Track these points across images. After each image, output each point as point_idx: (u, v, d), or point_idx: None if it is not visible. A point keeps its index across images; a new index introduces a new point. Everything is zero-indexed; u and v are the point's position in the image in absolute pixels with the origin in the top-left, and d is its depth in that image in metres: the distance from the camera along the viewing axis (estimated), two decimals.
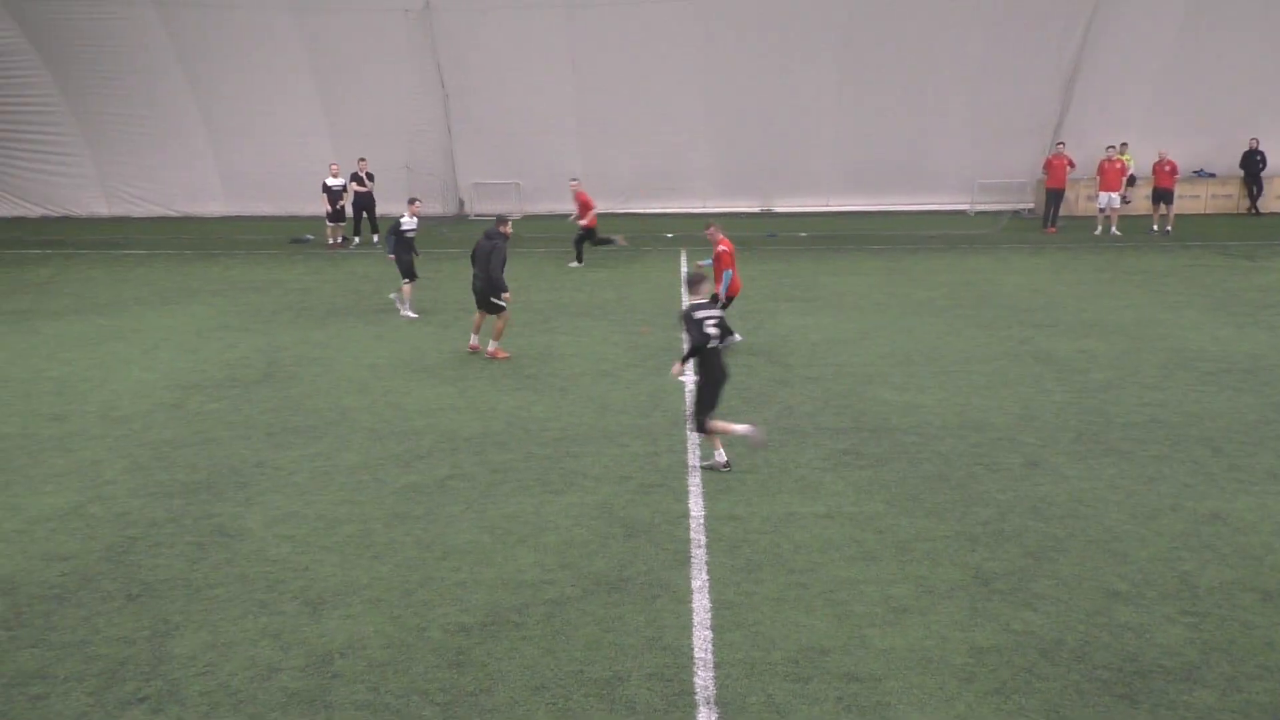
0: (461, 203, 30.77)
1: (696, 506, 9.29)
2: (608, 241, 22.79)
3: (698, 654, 6.87)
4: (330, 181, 25.09)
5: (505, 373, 13.79)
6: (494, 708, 6.31)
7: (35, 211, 31.37)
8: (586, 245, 22.46)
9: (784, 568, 8.08)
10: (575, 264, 22.21)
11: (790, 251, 23.96)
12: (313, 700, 6.39)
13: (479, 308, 14.72)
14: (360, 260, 23.52)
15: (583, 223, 22.13)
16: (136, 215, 31.07)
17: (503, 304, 14.42)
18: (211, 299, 19.09)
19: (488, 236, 14.46)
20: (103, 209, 31.31)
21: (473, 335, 14.93)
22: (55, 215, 31.25)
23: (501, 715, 6.23)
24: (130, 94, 29.50)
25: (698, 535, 8.70)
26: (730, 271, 14.77)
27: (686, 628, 7.20)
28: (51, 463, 10.60)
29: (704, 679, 6.59)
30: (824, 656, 6.82)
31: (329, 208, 25.20)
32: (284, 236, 26.80)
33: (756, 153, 29.56)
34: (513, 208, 30.36)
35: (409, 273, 17.34)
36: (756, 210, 30.74)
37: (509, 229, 14.76)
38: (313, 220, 27.44)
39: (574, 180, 23.54)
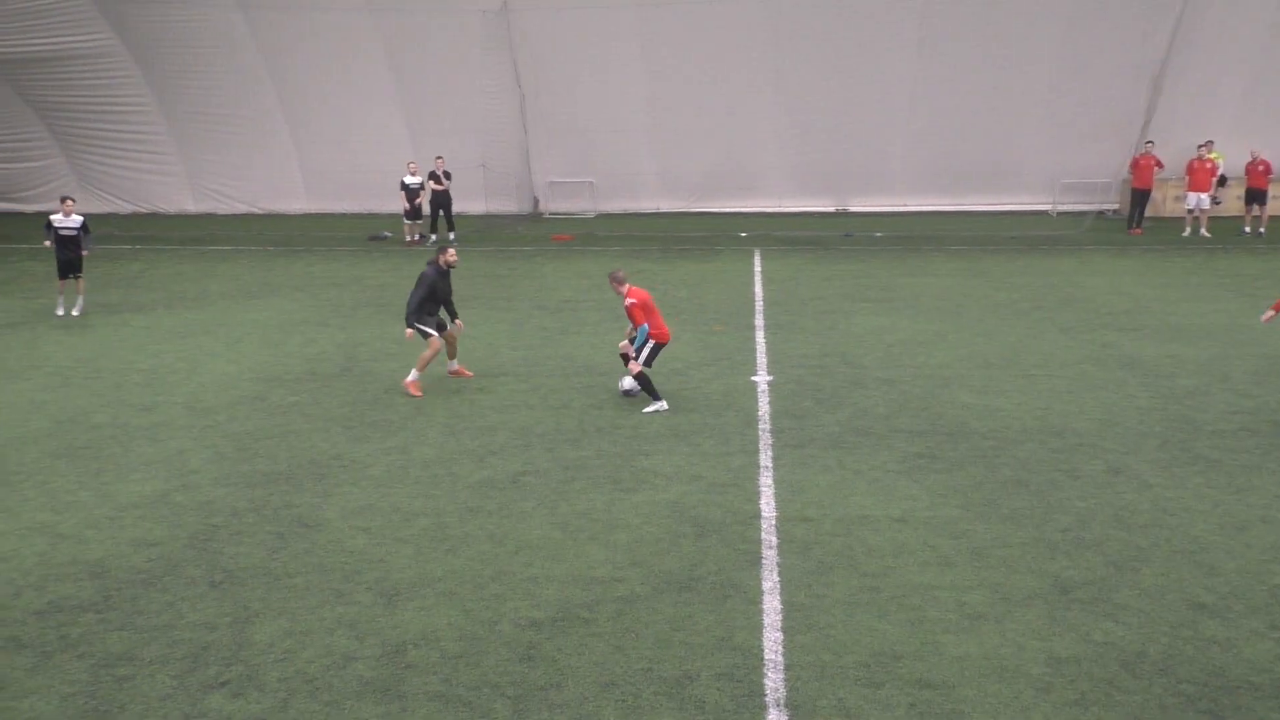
0: (536, 201, 31.01)
1: (768, 507, 9.24)
2: None
3: (768, 655, 6.84)
4: (408, 180, 25.47)
5: (577, 370, 13.86)
6: (564, 703, 6.35)
7: (126, 208, 32.36)
8: None
9: (856, 571, 8.00)
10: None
11: (866, 252, 23.69)
12: (387, 690, 6.50)
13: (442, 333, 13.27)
14: None
15: None
16: (222, 212, 31.87)
17: (425, 332, 12.97)
18: (293, 294, 19.51)
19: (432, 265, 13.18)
20: (190, 206, 32.18)
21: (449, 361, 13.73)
22: (145, 211, 32.19)
23: (571, 711, 6.27)
24: (218, 95, 30.27)
25: (769, 536, 8.65)
26: (645, 326, 12.10)
27: (757, 629, 7.17)
28: (140, 451, 10.94)
29: (774, 681, 6.55)
30: (897, 662, 6.73)
31: (407, 205, 25.61)
32: (363, 233, 27.27)
33: (831, 151, 29.26)
34: (586, 206, 30.49)
35: (64, 271, 17.98)
36: (832, 210, 30.44)
37: (448, 258, 13.25)
38: (391, 218, 27.87)
39: None
